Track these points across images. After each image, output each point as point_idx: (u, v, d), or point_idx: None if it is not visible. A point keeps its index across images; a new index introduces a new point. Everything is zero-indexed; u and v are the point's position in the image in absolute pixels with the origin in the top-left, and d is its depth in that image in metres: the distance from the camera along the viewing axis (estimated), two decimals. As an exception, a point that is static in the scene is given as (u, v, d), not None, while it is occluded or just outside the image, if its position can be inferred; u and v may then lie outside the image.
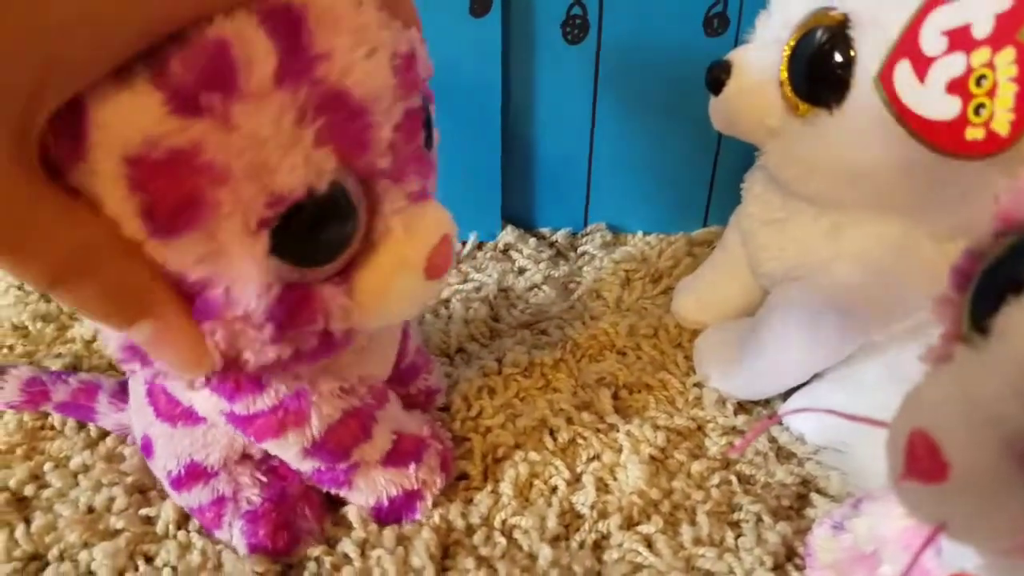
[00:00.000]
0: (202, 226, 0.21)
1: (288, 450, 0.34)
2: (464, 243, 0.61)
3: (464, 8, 0.50)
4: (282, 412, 0.32)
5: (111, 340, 0.26)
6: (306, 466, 0.36)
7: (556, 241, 0.62)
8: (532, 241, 0.61)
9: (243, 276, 0.22)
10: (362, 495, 0.38)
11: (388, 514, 0.38)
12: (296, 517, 0.37)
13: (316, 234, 0.24)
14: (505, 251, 0.61)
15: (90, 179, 0.20)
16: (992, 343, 0.19)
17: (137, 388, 0.37)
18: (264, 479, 0.37)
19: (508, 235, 0.61)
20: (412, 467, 0.38)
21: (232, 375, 0.30)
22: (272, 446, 0.34)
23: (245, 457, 0.38)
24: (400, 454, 0.38)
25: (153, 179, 0.20)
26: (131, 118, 0.19)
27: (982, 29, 0.26)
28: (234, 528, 0.37)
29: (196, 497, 0.37)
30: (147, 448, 0.37)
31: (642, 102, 0.55)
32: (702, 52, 0.50)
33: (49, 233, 0.19)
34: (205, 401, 0.32)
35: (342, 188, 0.23)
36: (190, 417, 0.35)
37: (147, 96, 0.19)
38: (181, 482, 0.37)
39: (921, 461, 0.19)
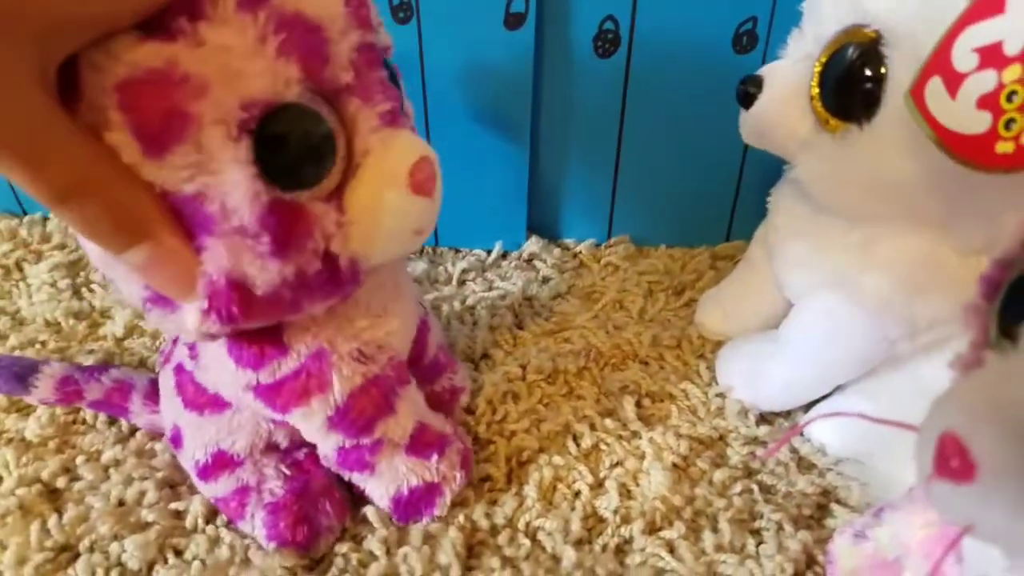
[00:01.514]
0: (188, 136, 0.23)
1: (314, 419, 0.34)
2: (489, 252, 0.62)
3: (499, 20, 0.51)
4: (305, 375, 0.33)
5: (134, 288, 0.28)
6: (332, 441, 0.36)
7: (580, 252, 0.62)
8: (556, 251, 0.61)
9: (232, 184, 0.24)
10: (383, 483, 0.38)
11: (407, 507, 0.38)
12: (317, 512, 0.38)
13: (297, 151, 0.26)
14: (529, 260, 0.61)
15: (89, 115, 0.23)
16: (1021, 349, 0.19)
17: (166, 381, 0.38)
18: (288, 472, 0.38)
19: (533, 245, 0.62)
20: (434, 458, 0.38)
21: (256, 342, 0.32)
22: (299, 417, 0.34)
23: (271, 448, 0.38)
24: (423, 444, 0.38)
25: (139, 97, 0.22)
26: (116, 52, 0.22)
27: (1014, 47, 0.27)
28: (256, 519, 0.37)
29: (222, 486, 0.38)
30: (176, 439, 0.38)
31: (669, 116, 0.56)
32: (730, 68, 0.51)
33: (61, 150, 0.22)
34: (231, 377, 0.33)
35: (314, 109, 0.26)
36: (216, 404, 0.36)
37: (127, 35, 0.22)
38: (208, 471, 0.37)
39: (950, 462, 0.19)
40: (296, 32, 0.24)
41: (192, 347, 0.35)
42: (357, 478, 0.38)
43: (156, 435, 0.43)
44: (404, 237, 0.31)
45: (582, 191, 0.61)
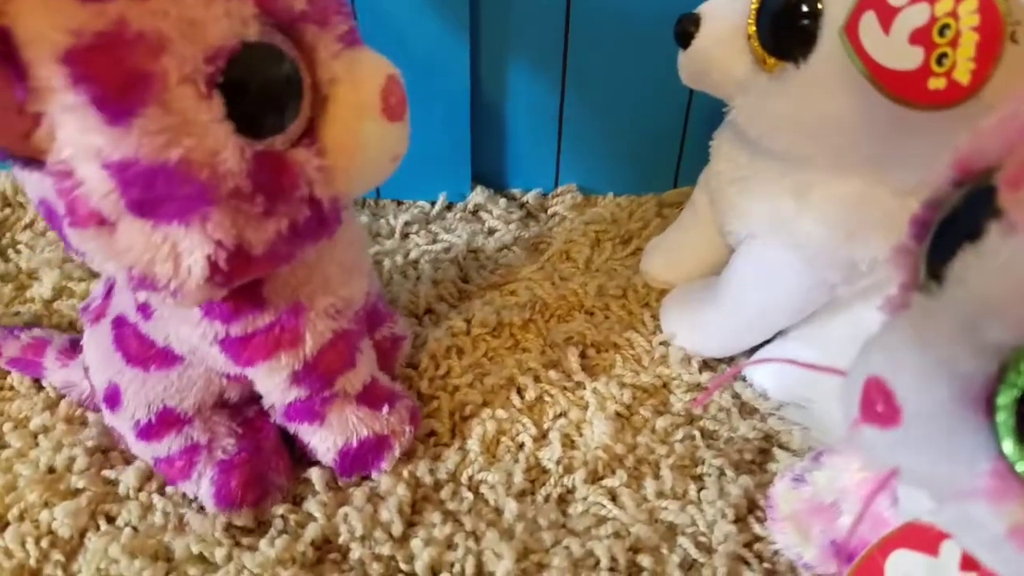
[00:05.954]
0: (153, 98, 0.22)
1: (279, 374, 0.34)
2: (433, 203, 0.60)
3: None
4: (278, 329, 0.32)
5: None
6: (290, 395, 0.35)
7: (526, 202, 0.61)
8: (502, 202, 0.60)
9: (217, 145, 0.23)
10: (331, 435, 0.37)
11: (354, 460, 0.37)
12: (269, 471, 0.37)
13: (263, 94, 0.25)
14: (475, 212, 0.60)
15: (40, 98, 0.21)
16: (947, 289, 0.19)
17: (101, 337, 0.36)
18: (239, 430, 0.37)
19: (478, 196, 0.60)
20: (385, 410, 0.38)
21: (231, 297, 0.31)
22: (263, 371, 0.34)
23: (220, 405, 0.37)
24: (375, 396, 0.38)
25: (92, 65, 0.21)
26: (50, 21, 0.20)
27: (947, -22, 0.26)
28: (204, 479, 0.36)
29: (166, 446, 0.36)
30: (113, 398, 0.36)
31: (613, 61, 0.54)
32: (673, 8, 0.50)
33: None
34: (195, 330, 0.32)
35: (273, 45, 0.25)
36: (165, 359, 0.34)
37: (62, 1, 0.21)
38: (151, 431, 0.36)
39: (875, 406, 0.19)
40: None
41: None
42: (305, 430, 0.37)
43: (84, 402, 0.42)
44: (382, 166, 0.30)
45: (528, 139, 0.59)
